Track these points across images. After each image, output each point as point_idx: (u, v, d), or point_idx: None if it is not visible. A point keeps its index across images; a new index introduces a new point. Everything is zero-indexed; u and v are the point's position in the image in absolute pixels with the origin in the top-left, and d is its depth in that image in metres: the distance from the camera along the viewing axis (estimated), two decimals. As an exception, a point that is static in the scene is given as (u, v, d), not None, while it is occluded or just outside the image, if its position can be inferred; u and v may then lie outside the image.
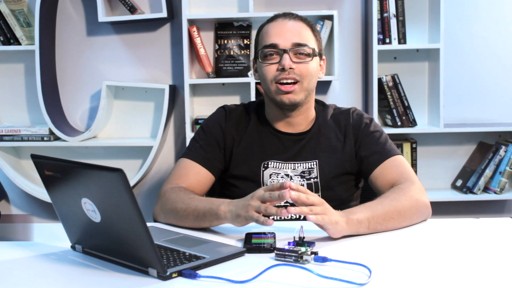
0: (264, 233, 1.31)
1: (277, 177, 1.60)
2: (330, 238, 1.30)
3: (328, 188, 1.59)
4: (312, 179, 1.60)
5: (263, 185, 1.59)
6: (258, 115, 1.69)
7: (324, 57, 1.65)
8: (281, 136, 1.64)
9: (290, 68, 1.54)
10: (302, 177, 1.60)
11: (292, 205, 1.59)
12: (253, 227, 1.35)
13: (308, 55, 1.57)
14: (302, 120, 1.65)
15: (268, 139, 1.64)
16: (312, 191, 1.58)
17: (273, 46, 1.56)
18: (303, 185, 1.59)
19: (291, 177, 1.60)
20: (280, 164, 1.61)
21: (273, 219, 1.57)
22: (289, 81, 1.55)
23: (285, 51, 1.54)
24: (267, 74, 1.57)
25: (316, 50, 1.59)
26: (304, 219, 1.57)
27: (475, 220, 1.48)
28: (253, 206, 1.28)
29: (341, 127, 1.66)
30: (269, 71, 1.56)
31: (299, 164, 1.61)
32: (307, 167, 1.61)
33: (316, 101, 1.71)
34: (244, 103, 1.74)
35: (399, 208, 1.39)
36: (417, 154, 2.80)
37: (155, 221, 1.53)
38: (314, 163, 1.61)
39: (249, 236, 1.30)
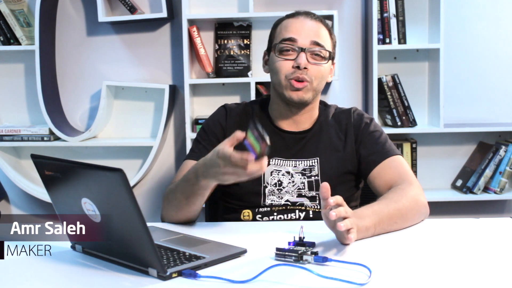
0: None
1: (278, 174, 1.60)
2: (330, 238, 1.29)
3: (329, 187, 1.59)
4: (313, 177, 1.60)
5: (264, 182, 1.59)
6: (260, 113, 1.69)
7: (335, 61, 1.66)
8: (283, 134, 1.65)
9: (305, 68, 1.54)
10: (303, 174, 1.60)
11: (292, 205, 1.60)
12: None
13: (323, 57, 1.58)
14: (307, 119, 1.65)
15: (270, 137, 1.64)
16: (313, 189, 1.58)
17: (292, 40, 1.56)
18: (303, 182, 1.59)
19: (292, 174, 1.60)
20: (282, 161, 1.61)
21: (271, 219, 1.58)
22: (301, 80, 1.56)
23: (302, 49, 1.55)
24: (281, 69, 1.57)
25: (331, 53, 1.61)
26: (304, 219, 1.57)
27: (475, 220, 1.48)
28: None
29: (342, 126, 1.66)
30: (283, 66, 1.57)
31: (300, 162, 1.61)
32: (308, 164, 1.61)
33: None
34: (245, 102, 1.75)
35: (403, 212, 1.39)
36: (417, 154, 2.80)
37: (162, 221, 1.54)
38: (315, 160, 1.62)
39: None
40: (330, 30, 1.64)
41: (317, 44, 1.57)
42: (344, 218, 1.21)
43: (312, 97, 1.59)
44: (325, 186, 1.20)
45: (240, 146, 1.26)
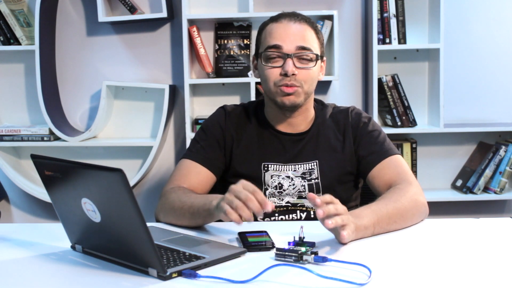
0: (257, 232, 1.31)
1: (278, 178, 1.60)
2: (330, 238, 1.29)
3: (329, 189, 1.58)
4: (313, 180, 1.60)
5: (265, 185, 1.59)
6: (257, 116, 1.69)
7: (324, 58, 1.65)
8: (281, 136, 1.64)
9: (293, 74, 1.53)
10: (303, 178, 1.60)
11: (292, 206, 1.60)
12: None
13: (311, 60, 1.56)
14: (302, 120, 1.65)
15: (268, 139, 1.64)
16: (313, 192, 1.58)
17: (277, 47, 1.55)
18: (304, 186, 1.59)
19: (292, 178, 1.60)
20: (281, 166, 1.61)
21: (270, 219, 1.58)
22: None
23: (288, 55, 1.53)
24: (269, 76, 1.56)
25: (319, 54, 1.59)
26: (305, 219, 1.57)
27: (475, 220, 1.48)
28: (227, 198, 1.26)
29: (340, 126, 1.66)
30: (271, 74, 1.56)
31: (299, 166, 1.61)
32: (307, 168, 1.61)
33: (315, 100, 1.71)
34: (243, 103, 1.74)
35: (402, 211, 1.39)
36: (417, 154, 2.80)
37: (157, 220, 1.54)
38: (314, 163, 1.61)
39: (243, 235, 1.29)
40: (316, 29, 1.61)
41: (303, 48, 1.55)
42: (336, 216, 1.20)
43: (304, 99, 1.58)
44: (311, 196, 1.20)
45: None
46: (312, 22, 1.61)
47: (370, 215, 1.32)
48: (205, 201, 1.39)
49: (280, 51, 1.54)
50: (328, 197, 1.22)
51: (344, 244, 1.25)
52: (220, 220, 1.47)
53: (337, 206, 1.22)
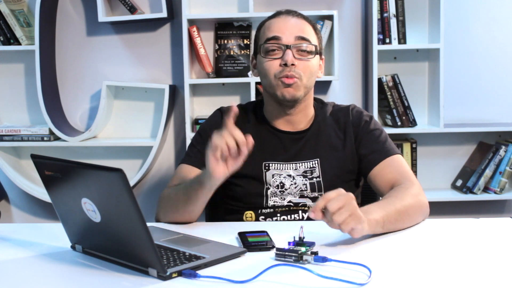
0: (257, 232, 1.31)
1: (279, 177, 1.60)
2: (330, 238, 1.29)
3: (331, 187, 1.57)
4: (314, 179, 1.60)
5: (266, 185, 1.59)
6: (256, 115, 1.69)
7: (323, 56, 1.66)
8: (281, 135, 1.64)
9: (292, 64, 1.54)
10: (304, 176, 1.60)
11: (294, 205, 1.60)
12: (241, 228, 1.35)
13: (310, 52, 1.57)
14: (302, 118, 1.65)
15: (268, 138, 1.64)
16: (315, 190, 1.58)
17: (276, 38, 1.56)
18: (305, 184, 1.59)
19: (293, 177, 1.60)
20: (282, 165, 1.61)
21: (272, 219, 1.58)
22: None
23: (288, 46, 1.54)
24: (269, 69, 1.57)
25: (318, 48, 1.60)
26: (308, 219, 1.57)
27: (475, 220, 1.48)
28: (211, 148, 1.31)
29: (341, 124, 1.66)
30: (271, 66, 1.56)
31: (300, 164, 1.61)
32: (308, 166, 1.61)
33: (315, 99, 1.71)
34: (241, 104, 1.74)
35: (408, 209, 1.39)
36: (417, 154, 2.80)
37: (157, 221, 1.54)
38: (316, 162, 1.61)
39: (243, 235, 1.30)
40: (315, 26, 1.63)
41: (302, 38, 1.56)
42: (339, 208, 1.20)
43: (304, 94, 1.58)
44: (312, 216, 1.22)
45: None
46: (310, 20, 1.63)
47: (378, 211, 1.32)
48: (195, 177, 1.45)
49: (279, 43, 1.56)
50: (320, 203, 1.21)
51: (334, 239, 1.26)
52: (221, 220, 1.48)
53: (333, 203, 1.20)
